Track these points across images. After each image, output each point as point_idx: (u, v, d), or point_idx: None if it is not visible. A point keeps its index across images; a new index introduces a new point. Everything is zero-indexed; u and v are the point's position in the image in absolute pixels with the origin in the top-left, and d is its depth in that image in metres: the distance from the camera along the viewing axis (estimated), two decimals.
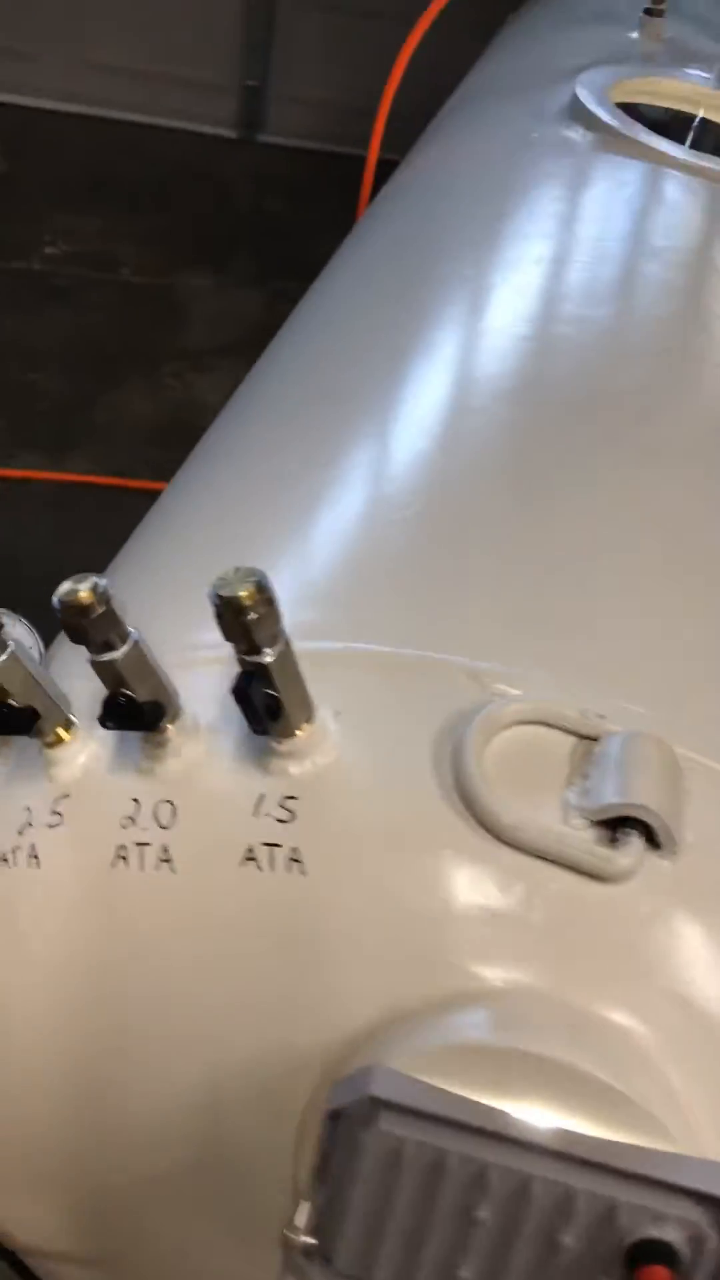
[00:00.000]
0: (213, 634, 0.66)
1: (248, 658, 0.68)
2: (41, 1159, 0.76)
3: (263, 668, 0.67)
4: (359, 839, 0.69)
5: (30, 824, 0.78)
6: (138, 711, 0.73)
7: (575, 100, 1.60)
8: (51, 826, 0.77)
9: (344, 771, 0.72)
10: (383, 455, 0.98)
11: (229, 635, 0.66)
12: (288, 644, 0.68)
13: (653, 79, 1.72)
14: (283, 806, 0.71)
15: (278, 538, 0.95)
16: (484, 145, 1.66)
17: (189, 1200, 0.74)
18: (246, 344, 3.15)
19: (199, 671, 0.79)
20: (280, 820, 0.71)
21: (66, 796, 0.78)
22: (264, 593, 0.65)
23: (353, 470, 0.97)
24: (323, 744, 0.73)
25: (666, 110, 1.83)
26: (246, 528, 0.99)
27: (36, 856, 0.77)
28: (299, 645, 0.68)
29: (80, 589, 0.68)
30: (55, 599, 0.69)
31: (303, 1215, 0.63)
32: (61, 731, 0.79)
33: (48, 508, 2.59)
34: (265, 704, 0.68)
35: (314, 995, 0.68)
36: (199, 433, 3.14)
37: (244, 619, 0.65)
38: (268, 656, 0.67)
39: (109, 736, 0.80)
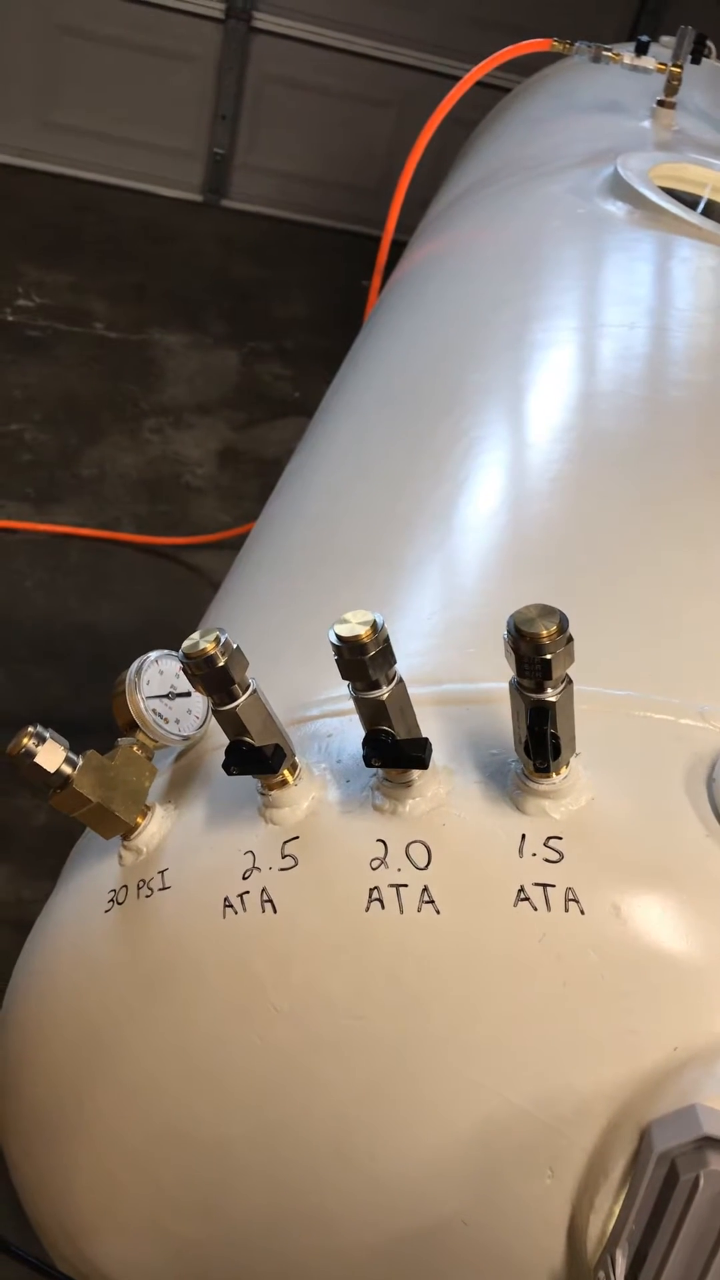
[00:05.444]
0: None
1: (534, 695, 0.68)
2: (291, 1213, 0.73)
3: (552, 705, 0.68)
4: (633, 879, 0.70)
5: (256, 868, 0.76)
6: (397, 750, 0.72)
7: (618, 180, 1.68)
8: (285, 870, 0.75)
9: (604, 813, 0.72)
10: (556, 518, 1.00)
11: (523, 670, 0.67)
12: (570, 683, 0.68)
13: (681, 164, 1.82)
14: (548, 846, 0.71)
15: (444, 584, 0.96)
16: (532, 219, 1.73)
17: (448, 1253, 0.71)
18: (225, 402, 3.17)
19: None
20: (549, 860, 0.70)
21: (295, 839, 0.76)
22: (564, 631, 0.66)
23: (527, 522, 0.99)
24: (576, 785, 0.73)
25: (671, 190, 1.95)
26: (406, 573, 1.00)
27: (271, 901, 0.75)
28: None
29: (360, 627, 0.68)
30: (333, 635, 0.68)
31: (619, 1263, 0.62)
32: (288, 774, 0.78)
33: (35, 559, 2.54)
34: (553, 743, 0.69)
35: (601, 1037, 0.67)
36: (181, 488, 3.11)
37: (543, 655, 0.66)
38: (553, 695, 0.68)
39: (330, 779, 0.79)
